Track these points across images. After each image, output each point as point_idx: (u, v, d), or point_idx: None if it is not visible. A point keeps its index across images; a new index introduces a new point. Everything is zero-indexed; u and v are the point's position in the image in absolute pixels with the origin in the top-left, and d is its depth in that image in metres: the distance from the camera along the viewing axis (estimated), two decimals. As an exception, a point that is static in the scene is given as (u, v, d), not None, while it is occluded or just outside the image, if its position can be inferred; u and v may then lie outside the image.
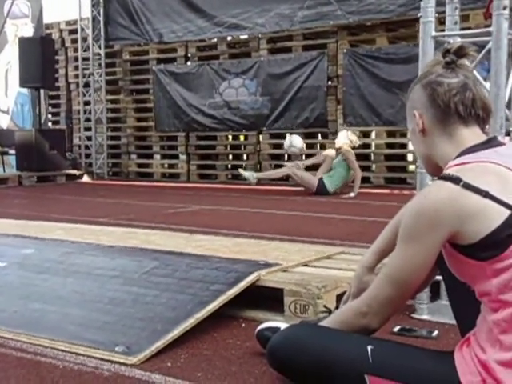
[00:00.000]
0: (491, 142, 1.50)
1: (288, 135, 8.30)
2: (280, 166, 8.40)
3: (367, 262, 1.80)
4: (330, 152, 7.81)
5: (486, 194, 1.35)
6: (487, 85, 2.60)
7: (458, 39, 2.57)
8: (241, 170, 8.18)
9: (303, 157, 9.25)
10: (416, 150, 1.63)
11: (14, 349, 2.18)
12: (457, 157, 1.48)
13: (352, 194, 7.31)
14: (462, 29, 2.85)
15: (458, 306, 1.65)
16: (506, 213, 1.34)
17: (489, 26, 2.41)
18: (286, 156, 9.91)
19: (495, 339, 1.37)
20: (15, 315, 2.46)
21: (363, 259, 1.83)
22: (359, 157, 8.86)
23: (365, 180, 8.81)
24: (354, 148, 7.66)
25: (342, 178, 7.59)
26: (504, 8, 2.34)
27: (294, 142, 7.99)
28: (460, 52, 1.55)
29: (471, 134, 1.50)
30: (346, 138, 7.51)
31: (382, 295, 1.50)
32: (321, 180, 7.54)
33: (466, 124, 1.51)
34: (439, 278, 1.90)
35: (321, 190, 7.50)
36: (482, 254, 1.35)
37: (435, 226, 1.39)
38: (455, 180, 1.38)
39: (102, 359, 2.04)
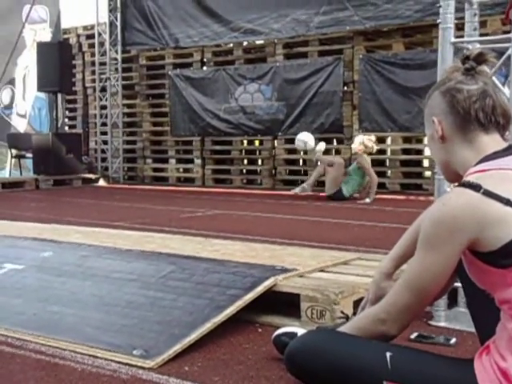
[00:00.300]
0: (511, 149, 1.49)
1: (297, 138, 8.07)
2: (295, 172, 8.36)
3: (385, 268, 1.80)
4: (325, 159, 7.76)
5: (508, 202, 1.35)
6: (506, 91, 2.59)
7: (477, 45, 2.57)
8: (295, 190, 8.01)
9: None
10: (434, 157, 1.63)
11: (33, 351, 2.20)
12: (477, 164, 1.47)
13: (368, 200, 7.31)
14: (480, 35, 2.85)
15: (478, 314, 1.64)
16: (527, 220, 1.34)
17: (507, 32, 2.41)
18: (301, 161, 9.91)
19: (515, 347, 1.36)
20: (34, 318, 2.48)
21: (381, 265, 1.83)
22: (375, 162, 8.84)
23: (380, 186, 8.78)
24: (370, 154, 7.63)
25: (358, 184, 7.63)
26: (524, 14, 2.33)
27: (306, 138, 7.89)
28: (479, 58, 1.55)
29: (491, 141, 1.50)
30: (360, 144, 7.49)
31: (400, 302, 1.50)
32: (340, 188, 7.56)
33: (486, 131, 1.50)
34: (457, 284, 1.89)
35: (337, 196, 7.51)
36: (503, 261, 1.35)
37: (455, 233, 1.38)
38: (475, 187, 1.38)
39: (119, 362, 2.06)
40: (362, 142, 7.50)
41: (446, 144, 1.55)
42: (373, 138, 7.69)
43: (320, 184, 8.03)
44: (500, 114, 1.51)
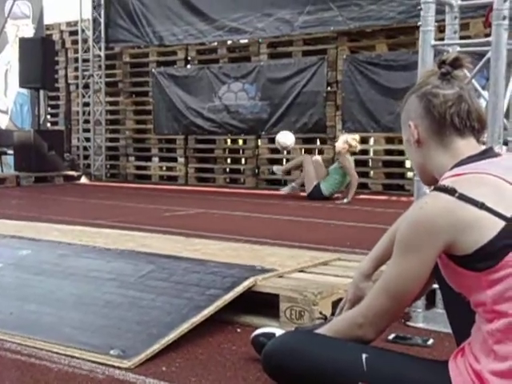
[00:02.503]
0: (487, 153, 1.50)
1: (279, 136, 8.09)
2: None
3: (364, 268, 1.80)
4: (307, 158, 7.82)
5: (482, 206, 1.36)
6: (486, 93, 2.61)
7: (458, 48, 2.59)
8: (284, 189, 8.04)
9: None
10: (411, 160, 1.64)
11: (9, 350, 2.18)
12: (452, 168, 1.48)
13: (345, 200, 7.28)
14: (462, 37, 2.87)
15: (454, 316, 1.65)
16: (501, 224, 1.35)
17: (488, 34, 2.43)
18: (284, 161, 9.92)
19: (489, 349, 1.37)
20: (11, 317, 2.46)
21: (360, 266, 1.83)
22: (357, 163, 8.87)
23: (363, 186, 8.83)
24: (354, 153, 7.65)
25: (337, 183, 7.57)
26: (503, 18, 2.35)
27: (284, 139, 7.91)
28: (455, 63, 1.55)
29: (467, 145, 1.51)
30: (344, 143, 7.50)
31: (377, 306, 1.50)
32: (317, 184, 7.55)
33: (461, 135, 1.51)
34: (435, 286, 1.90)
35: (315, 194, 7.50)
36: (478, 264, 1.36)
37: (431, 237, 1.39)
38: (450, 191, 1.39)
39: (96, 362, 2.04)
40: (346, 140, 7.51)
41: (422, 148, 1.56)
42: (357, 137, 7.69)
43: (303, 184, 8.06)
44: (475, 118, 1.52)
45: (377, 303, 1.50)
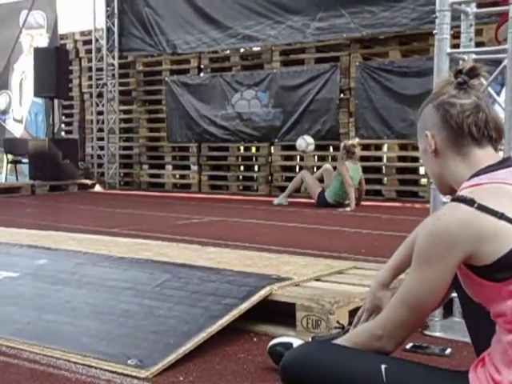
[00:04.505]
0: (506, 163, 1.49)
1: (300, 139, 8.18)
2: (291, 179, 8.38)
3: (382, 277, 1.79)
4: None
5: (502, 216, 1.35)
6: (501, 98, 2.60)
7: (473, 56, 2.58)
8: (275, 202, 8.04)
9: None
10: (428, 170, 1.63)
11: (27, 360, 2.19)
12: (470, 178, 1.47)
13: (348, 209, 7.20)
14: (476, 44, 2.85)
15: (473, 326, 1.63)
16: (522, 234, 1.34)
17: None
18: (297, 168, 9.92)
19: (510, 360, 1.36)
20: (28, 326, 2.47)
21: (378, 275, 1.82)
22: (371, 169, 8.88)
23: (376, 193, 8.82)
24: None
25: (338, 190, 7.46)
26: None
27: (309, 140, 7.97)
28: (472, 73, 1.55)
29: (485, 155, 1.50)
30: (342, 149, 7.47)
31: (396, 318, 1.49)
32: (321, 192, 7.54)
33: (479, 145, 1.50)
34: (453, 295, 1.89)
35: (321, 202, 7.48)
36: (498, 275, 1.35)
37: (450, 248, 1.38)
38: (469, 202, 1.38)
39: (114, 372, 2.05)
40: (344, 145, 7.48)
41: (439, 158, 1.55)
42: (355, 141, 7.62)
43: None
44: (493, 128, 1.51)
45: (395, 315, 1.49)
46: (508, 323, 1.37)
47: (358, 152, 7.65)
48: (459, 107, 1.50)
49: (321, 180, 7.80)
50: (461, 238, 1.37)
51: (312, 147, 8.00)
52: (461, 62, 2.32)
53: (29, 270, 3.11)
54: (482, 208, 1.36)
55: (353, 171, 7.42)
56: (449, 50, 2.47)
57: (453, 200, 1.43)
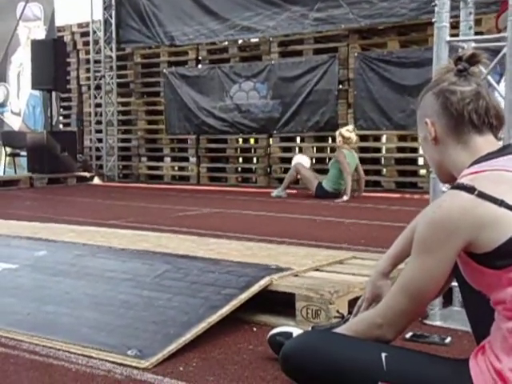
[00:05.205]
0: (506, 150, 1.49)
1: (296, 157, 8.23)
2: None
3: (382, 267, 1.79)
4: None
5: (502, 203, 1.34)
6: (501, 87, 2.59)
7: (473, 44, 2.57)
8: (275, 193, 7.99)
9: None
10: (428, 158, 1.62)
11: (27, 351, 2.19)
12: (470, 165, 1.46)
13: (345, 198, 7.19)
14: (475, 33, 2.84)
15: (473, 314, 1.64)
16: (522, 221, 1.33)
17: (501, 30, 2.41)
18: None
19: (510, 348, 1.36)
20: (28, 317, 2.47)
21: (378, 264, 1.82)
22: (370, 160, 8.87)
23: (375, 184, 8.81)
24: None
25: (336, 178, 7.44)
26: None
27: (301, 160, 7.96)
28: (472, 59, 1.54)
29: (485, 142, 1.49)
30: (339, 136, 7.44)
31: (396, 307, 1.49)
32: (319, 183, 7.53)
33: (479, 132, 1.50)
34: (452, 284, 1.89)
35: (320, 193, 7.47)
36: (498, 262, 1.34)
37: (450, 236, 1.38)
38: (469, 189, 1.37)
39: (114, 362, 2.05)
40: (340, 133, 7.46)
41: (439, 145, 1.54)
42: (350, 128, 7.59)
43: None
44: (493, 115, 1.50)
45: (396, 303, 1.49)
46: (508, 310, 1.37)
47: (354, 137, 7.54)
48: (459, 94, 1.49)
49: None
50: (461, 226, 1.36)
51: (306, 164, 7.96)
52: (460, 50, 2.31)
53: (28, 261, 3.11)
54: (483, 195, 1.36)
55: (349, 158, 7.41)
56: (448, 38, 2.46)
57: (453, 187, 1.43)
